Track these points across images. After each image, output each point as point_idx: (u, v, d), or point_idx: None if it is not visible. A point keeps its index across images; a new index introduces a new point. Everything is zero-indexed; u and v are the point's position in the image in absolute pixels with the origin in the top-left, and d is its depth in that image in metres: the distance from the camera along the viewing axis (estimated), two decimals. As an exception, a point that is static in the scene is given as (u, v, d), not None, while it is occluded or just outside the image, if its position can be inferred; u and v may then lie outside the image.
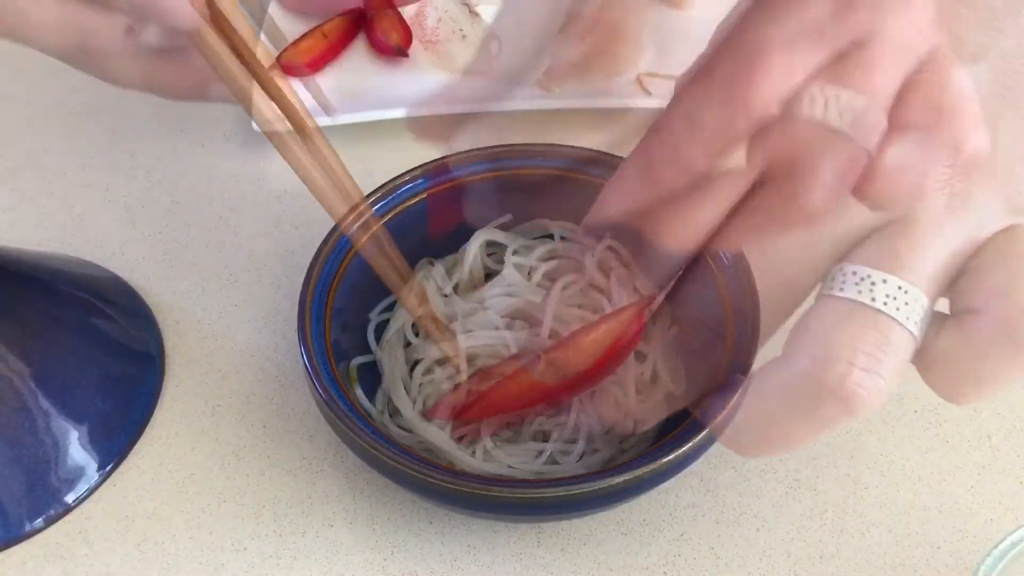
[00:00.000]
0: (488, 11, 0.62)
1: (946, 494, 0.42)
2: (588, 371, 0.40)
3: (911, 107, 0.27)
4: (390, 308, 0.45)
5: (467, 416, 0.41)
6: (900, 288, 0.27)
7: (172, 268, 0.51)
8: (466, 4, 0.60)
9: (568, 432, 0.40)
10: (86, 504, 0.43)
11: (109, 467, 0.43)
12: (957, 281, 0.28)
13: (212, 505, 0.42)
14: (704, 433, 0.36)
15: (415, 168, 0.45)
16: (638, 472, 0.35)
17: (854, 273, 0.27)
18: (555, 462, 0.41)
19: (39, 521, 0.42)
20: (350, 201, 0.39)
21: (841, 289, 0.27)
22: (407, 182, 0.45)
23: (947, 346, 0.27)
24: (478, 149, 0.46)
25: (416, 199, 0.45)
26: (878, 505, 0.42)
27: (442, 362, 0.43)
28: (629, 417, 0.42)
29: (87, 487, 0.43)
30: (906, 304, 0.27)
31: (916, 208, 0.27)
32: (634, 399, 0.42)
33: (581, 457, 0.40)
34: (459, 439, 0.41)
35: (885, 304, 0.27)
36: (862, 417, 0.27)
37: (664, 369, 0.43)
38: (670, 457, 0.36)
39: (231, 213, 0.54)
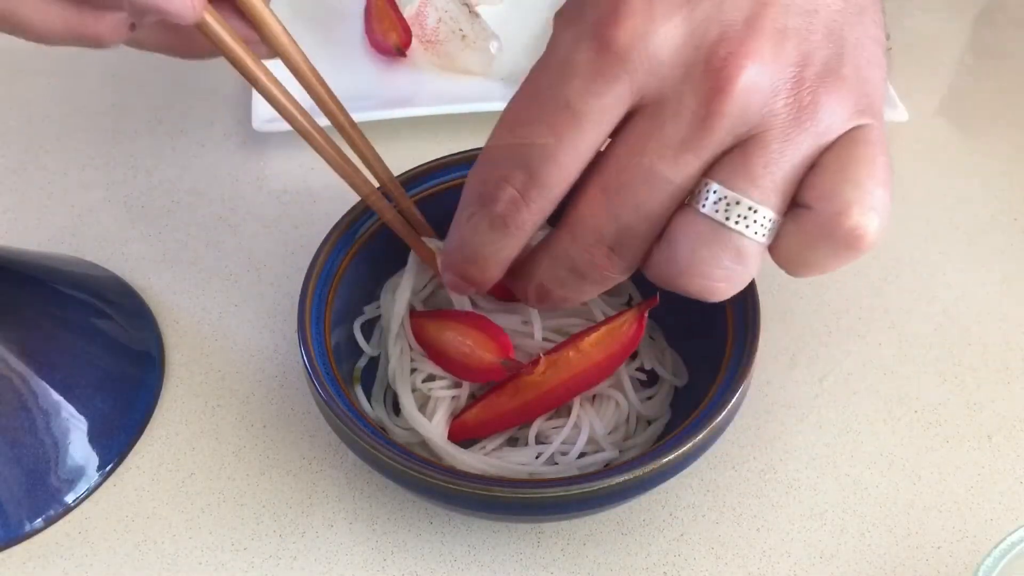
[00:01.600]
0: (488, 11, 0.62)
1: (946, 494, 0.42)
2: (588, 372, 0.40)
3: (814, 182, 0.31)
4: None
5: (476, 435, 0.41)
6: (750, 208, 0.30)
7: (172, 268, 0.51)
8: (466, 4, 0.60)
9: (568, 433, 0.40)
10: (86, 504, 0.43)
11: (109, 467, 0.43)
12: (803, 177, 0.31)
13: (212, 505, 0.42)
14: (704, 433, 0.36)
15: (415, 168, 0.45)
16: (638, 472, 0.35)
17: (715, 192, 0.30)
18: (555, 463, 0.41)
19: (39, 521, 0.42)
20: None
21: (703, 206, 0.30)
22: (407, 181, 0.45)
23: (785, 234, 0.31)
24: (477, 149, 0.46)
25: (417, 199, 0.45)
26: (878, 505, 0.42)
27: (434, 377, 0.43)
28: (632, 415, 0.42)
29: (87, 487, 0.43)
30: (756, 222, 0.30)
31: (767, 122, 0.30)
32: (634, 397, 0.42)
33: (581, 455, 0.40)
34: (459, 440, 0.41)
35: (737, 223, 0.30)
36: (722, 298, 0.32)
37: (657, 363, 0.43)
38: (670, 457, 0.36)
39: (231, 213, 0.54)
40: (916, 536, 0.41)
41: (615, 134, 0.31)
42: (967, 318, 0.48)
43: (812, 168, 0.30)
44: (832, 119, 0.30)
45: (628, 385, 0.42)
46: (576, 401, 0.41)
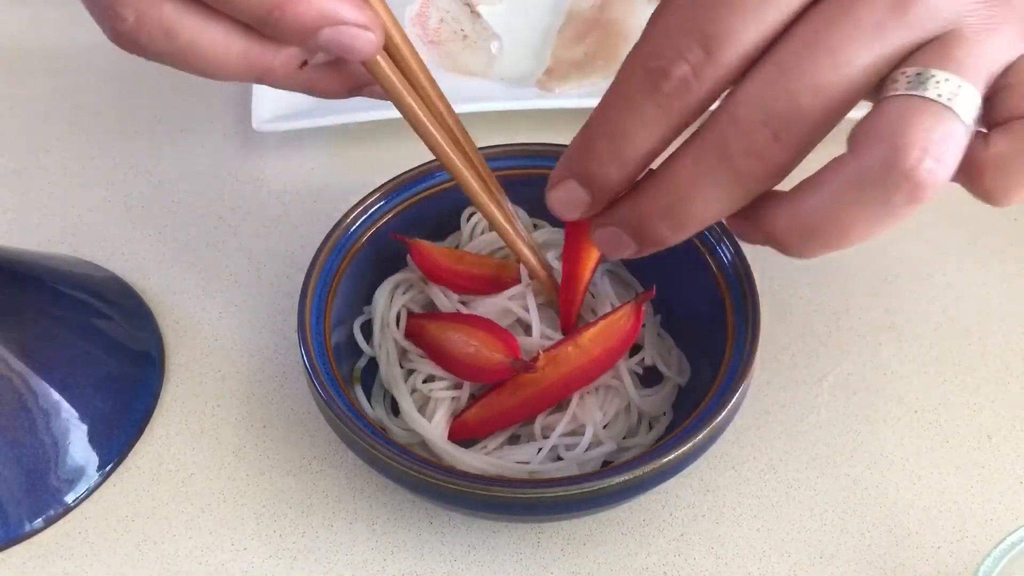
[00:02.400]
0: (488, 11, 0.62)
1: (946, 494, 0.42)
2: (587, 367, 0.40)
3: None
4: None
5: (476, 435, 0.41)
6: (959, 86, 0.28)
7: (172, 268, 0.51)
8: (468, 4, 0.60)
9: (566, 426, 0.40)
10: (86, 504, 0.43)
11: (109, 467, 0.43)
12: (992, 98, 0.29)
13: (212, 505, 0.42)
14: (704, 433, 0.36)
15: (415, 168, 0.45)
16: (638, 472, 0.35)
17: (918, 74, 0.28)
18: (559, 458, 0.41)
19: (39, 521, 0.42)
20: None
21: (907, 87, 0.28)
22: (408, 181, 0.45)
23: (999, 150, 0.29)
24: (477, 149, 0.46)
25: (417, 198, 0.45)
26: (878, 505, 0.42)
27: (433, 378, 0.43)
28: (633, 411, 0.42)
29: (87, 487, 0.43)
30: (965, 100, 0.28)
31: (961, 21, 0.28)
32: (634, 391, 0.42)
33: (588, 448, 0.40)
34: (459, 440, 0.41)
35: (949, 100, 0.28)
36: (926, 202, 0.28)
37: (661, 360, 0.43)
38: (670, 457, 0.36)
39: (231, 213, 0.54)
40: (916, 536, 0.41)
41: (797, 18, 0.29)
42: (967, 318, 0.48)
43: (1004, 83, 0.29)
44: (1012, 38, 0.29)
45: (627, 378, 0.42)
46: (575, 395, 0.41)
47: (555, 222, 0.46)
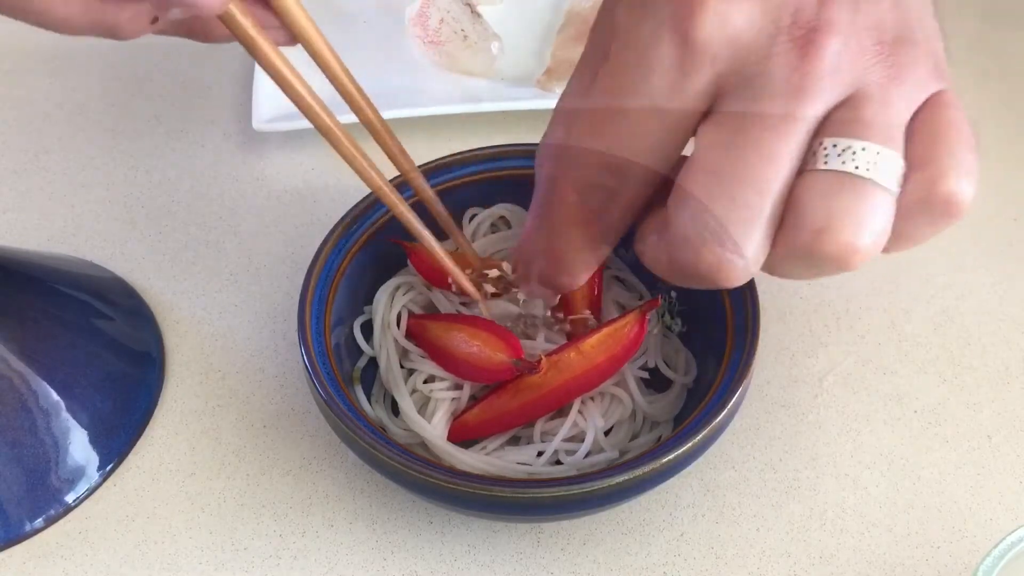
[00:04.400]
0: (489, 11, 0.62)
1: (946, 494, 0.42)
2: (589, 374, 0.40)
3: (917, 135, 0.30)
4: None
5: (476, 436, 0.41)
6: (877, 152, 0.29)
7: (172, 268, 0.51)
8: (468, 4, 0.60)
9: (567, 432, 0.40)
10: (86, 504, 0.43)
11: (109, 467, 0.43)
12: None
13: (212, 505, 0.42)
14: (704, 433, 0.36)
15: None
16: (638, 472, 0.35)
17: (834, 145, 0.29)
18: (558, 462, 0.41)
19: (39, 521, 0.42)
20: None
21: (825, 163, 0.29)
22: (407, 182, 0.45)
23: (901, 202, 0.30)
24: (478, 149, 0.46)
25: (417, 199, 0.45)
26: (878, 505, 0.42)
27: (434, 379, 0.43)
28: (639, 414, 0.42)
29: (87, 487, 0.43)
30: (886, 167, 0.29)
31: (863, 82, 0.29)
32: (639, 396, 0.42)
33: (588, 455, 0.40)
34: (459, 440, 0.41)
35: (868, 170, 0.29)
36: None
37: (665, 362, 0.43)
38: (670, 457, 0.36)
39: (231, 213, 0.54)
40: (916, 536, 0.41)
41: (702, 123, 0.31)
42: (967, 318, 0.48)
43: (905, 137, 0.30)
44: (917, 81, 0.30)
45: (633, 384, 0.42)
46: (576, 401, 0.41)
47: None
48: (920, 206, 0.29)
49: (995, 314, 0.48)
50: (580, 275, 0.36)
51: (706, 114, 0.30)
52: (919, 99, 0.30)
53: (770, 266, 0.31)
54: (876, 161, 0.29)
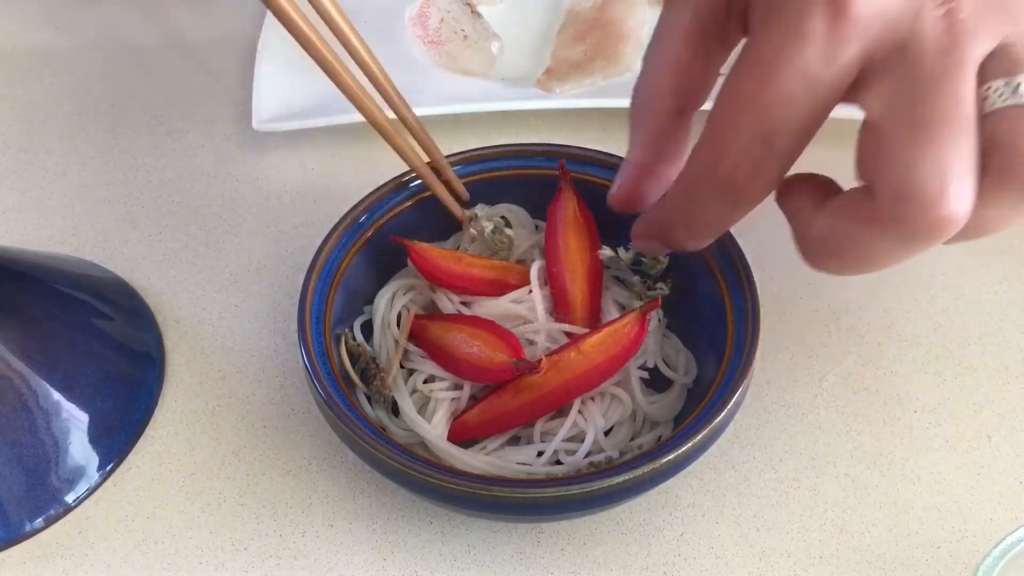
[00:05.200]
0: (488, 11, 0.62)
1: (946, 494, 0.42)
2: (589, 374, 0.40)
3: None
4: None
5: (476, 436, 0.41)
6: None
7: (172, 268, 0.51)
8: (468, 4, 0.60)
9: (568, 431, 0.40)
10: (86, 504, 0.43)
11: (109, 467, 0.43)
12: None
13: (212, 505, 0.42)
14: (704, 433, 0.36)
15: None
16: (638, 472, 0.35)
17: (1006, 84, 0.29)
18: (558, 462, 0.41)
19: (39, 521, 0.42)
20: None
21: (1004, 101, 0.29)
22: (408, 182, 0.45)
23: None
24: (478, 149, 0.46)
25: (417, 198, 0.45)
26: (878, 505, 0.42)
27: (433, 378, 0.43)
28: (639, 415, 0.42)
29: (87, 487, 0.43)
30: None
31: (1006, 35, 0.29)
32: (641, 396, 0.42)
33: (588, 455, 0.40)
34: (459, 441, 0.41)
35: None
36: None
37: (664, 362, 0.43)
38: (670, 457, 0.36)
39: (231, 213, 0.54)
40: (916, 536, 0.41)
41: (864, 93, 0.31)
42: (967, 318, 0.48)
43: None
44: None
45: (635, 384, 0.42)
46: (576, 401, 0.41)
47: None
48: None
49: (995, 314, 0.48)
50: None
51: (852, 88, 0.30)
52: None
53: (980, 220, 0.30)
54: None
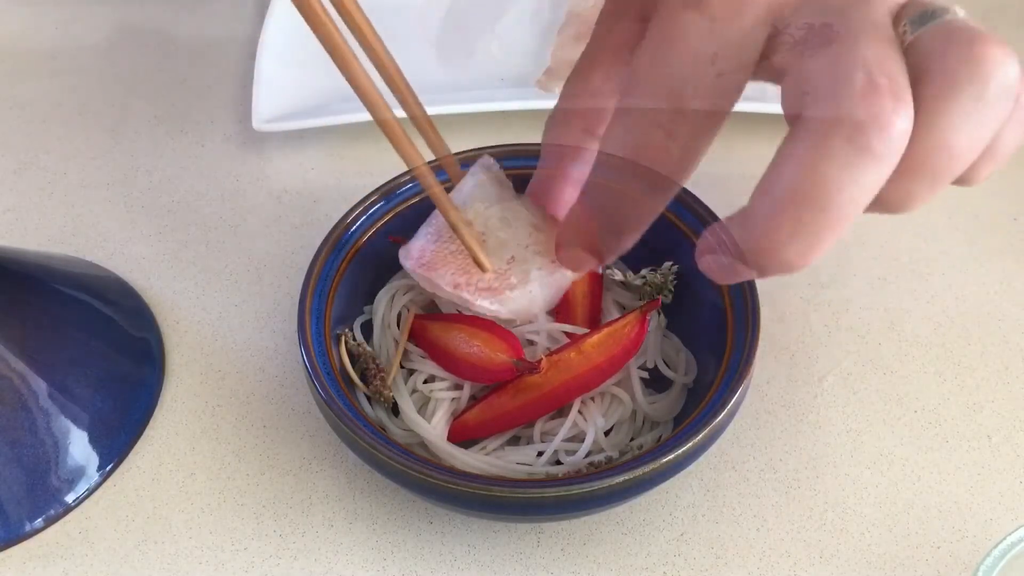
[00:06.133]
0: (489, 10, 0.62)
1: (946, 494, 0.42)
2: (589, 374, 0.40)
3: None
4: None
5: (476, 436, 0.41)
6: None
7: (172, 268, 0.51)
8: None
9: (568, 432, 0.40)
10: (86, 504, 0.43)
11: (109, 467, 0.43)
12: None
13: (212, 505, 0.42)
14: (704, 433, 0.36)
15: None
16: (638, 472, 0.35)
17: (920, 14, 0.28)
18: (558, 462, 0.41)
19: (39, 521, 0.42)
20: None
21: (922, 23, 0.28)
22: (407, 182, 0.45)
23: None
24: (477, 149, 0.46)
25: (416, 199, 0.45)
26: (878, 505, 0.42)
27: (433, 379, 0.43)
28: (639, 415, 0.42)
29: (87, 487, 0.43)
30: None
31: None
32: (641, 397, 0.42)
33: (588, 455, 0.40)
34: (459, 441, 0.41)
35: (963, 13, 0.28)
36: None
37: (664, 362, 0.43)
38: (670, 457, 0.36)
39: (231, 213, 0.54)
40: (916, 536, 0.41)
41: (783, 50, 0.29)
42: (967, 318, 0.48)
43: None
44: None
45: (636, 384, 0.42)
46: (576, 401, 0.41)
47: None
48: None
49: (995, 314, 0.48)
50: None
51: (766, 53, 0.29)
52: None
53: (937, 144, 0.27)
54: (957, 13, 0.28)
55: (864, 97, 0.26)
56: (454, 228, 0.38)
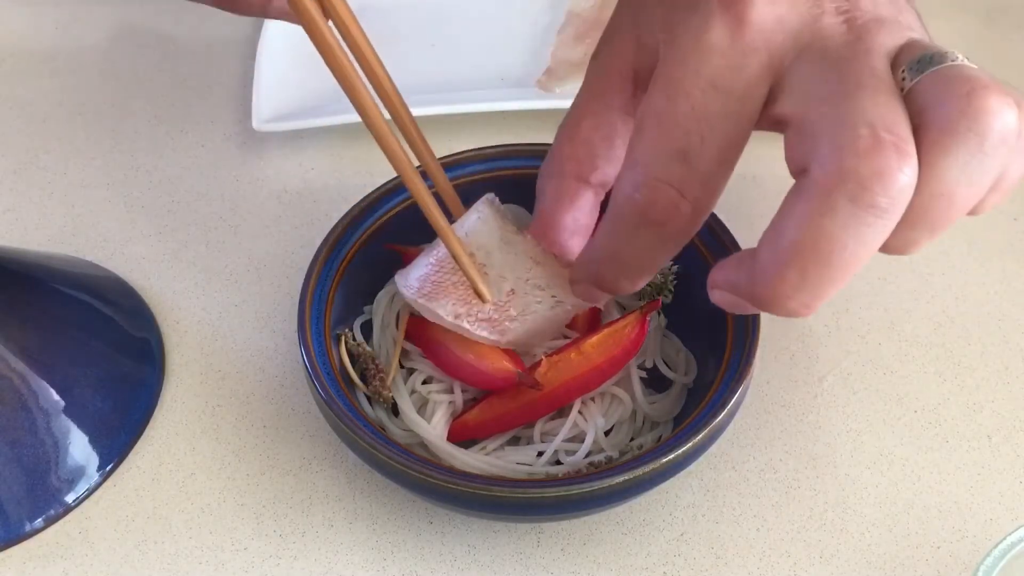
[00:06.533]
0: (489, 10, 0.62)
1: (946, 494, 0.42)
2: (589, 375, 0.40)
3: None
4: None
5: (476, 436, 0.41)
6: (951, 53, 0.29)
7: (172, 268, 0.51)
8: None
9: (568, 432, 0.40)
10: (86, 504, 0.43)
11: (109, 467, 0.43)
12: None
13: (212, 505, 0.42)
14: (704, 433, 0.36)
15: (415, 168, 0.45)
16: (638, 472, 0.35)
17: (918, 60, 0.28)
18: (558, 462, 0.40)
19: (39, 521, 0.42)
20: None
21: (918, 73, 0.28)
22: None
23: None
24: (477, 149, 0.46)
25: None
26: (878, 505, 0.42)
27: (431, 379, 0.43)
28: (640, 415, 0.42)
29: (87, 487, 0.43)
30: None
31: (907, 37, 0.29)
32: (641, 397, 0.42)
33: (588, 455, 0.40)
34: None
35: (966, 59, 0.29)
36: None
37: (664, 362, 0.43)
38: (670, 457, 0.36)
39: (231, 213, 0.54)
40: (916, 536, 0.41)
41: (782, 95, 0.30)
42: (967, 318, 0.48)
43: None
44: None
45: (636, 384, 0.42)
46: (577, 401, 0.41)
47: None
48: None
49: (995, 314, 0.48)
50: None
51: (771, 103, 0.30)
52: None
53: (938, 190, 0.28)
54: (956, 57, 0.28)
55: (868, 153, 0.26)
56: (456, 258, 0.38)
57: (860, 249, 0.27)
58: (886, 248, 0.28)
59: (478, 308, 0.40)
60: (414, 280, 0.40)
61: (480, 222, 0.40)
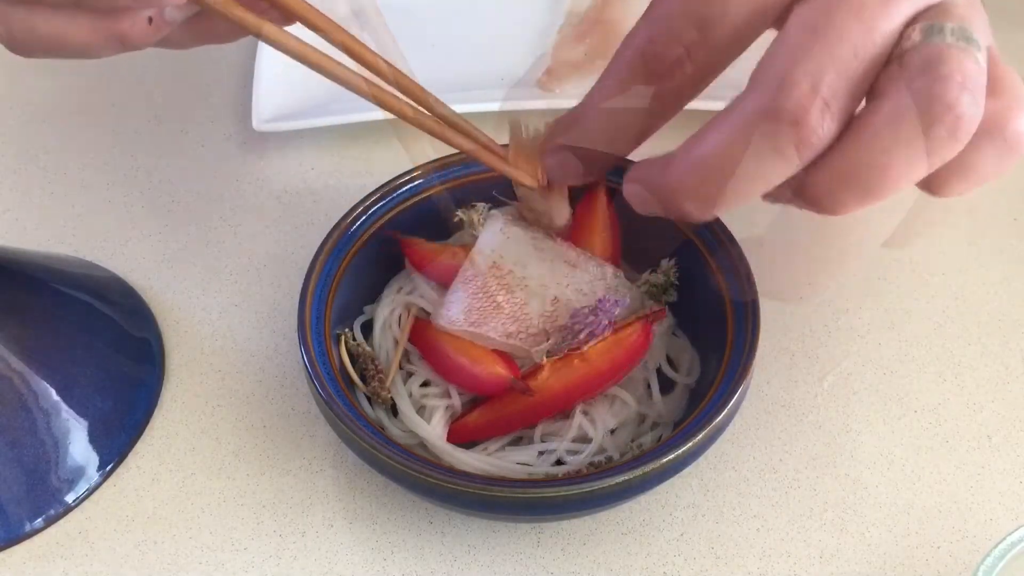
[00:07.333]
0: (489, 10, 0.62)
1: (946, 494, 0.42)
2: (592, 380, 0.40)
3: None
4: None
5: (476, 438, 0.41)
6: (967, 30, 0.30)
7: (172, 268, 0.51)
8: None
9: (571, 433, 0.40)
10: (86, 504, 0.43)
11: (109, 467, 0.43)
12: None
13: (212, 505, 0.42)
14: (704, 433, 0.36)
15: (415, 168, 0.45)
16: (638, 472, 0.35)
17: (930, 27, 0.29)
18: (559, 462, 0.40)
19: (39, 521, 0.42)
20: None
21: (923, 39, 0.29)
22: (407, 182, 0.45)
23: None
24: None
25: (416, 198, 0.45)
26: (878, 505, 0.42)
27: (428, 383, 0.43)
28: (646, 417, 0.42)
29: (87, 487, 0.43)
30: (977, 45, 0.30)
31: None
32: (645, 399, 0.42)
33: (591, 456, 0.40)
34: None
35: (967, 42, 0.29)
36: (961, 143, 0.28)
37: (666, 363, 0.43)
38: (670, 457, 0.36)
39: (231, 213, 0.54)
40: (916, 536, 0.41)
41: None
42: (967, 318, 0.48)
43: None
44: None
45: (642, 389, 0.42)
46: (578, 405, 0.41)
47: None
48: (990, 135, 0.29)
49: (995, 314, 0.48)
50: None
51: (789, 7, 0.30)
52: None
53: (861, 152, 0.29)
54: (970, 37, 0.29)
55: (798, 103, 0.28)
56: (493, 166, 0.38)
57: (760, 178, 0.29)
58: (809, 201, 0.30)
59: (528, 324, 0.41)
60: (457, 314, 0.41)
61: (505, 236, 0.41)
